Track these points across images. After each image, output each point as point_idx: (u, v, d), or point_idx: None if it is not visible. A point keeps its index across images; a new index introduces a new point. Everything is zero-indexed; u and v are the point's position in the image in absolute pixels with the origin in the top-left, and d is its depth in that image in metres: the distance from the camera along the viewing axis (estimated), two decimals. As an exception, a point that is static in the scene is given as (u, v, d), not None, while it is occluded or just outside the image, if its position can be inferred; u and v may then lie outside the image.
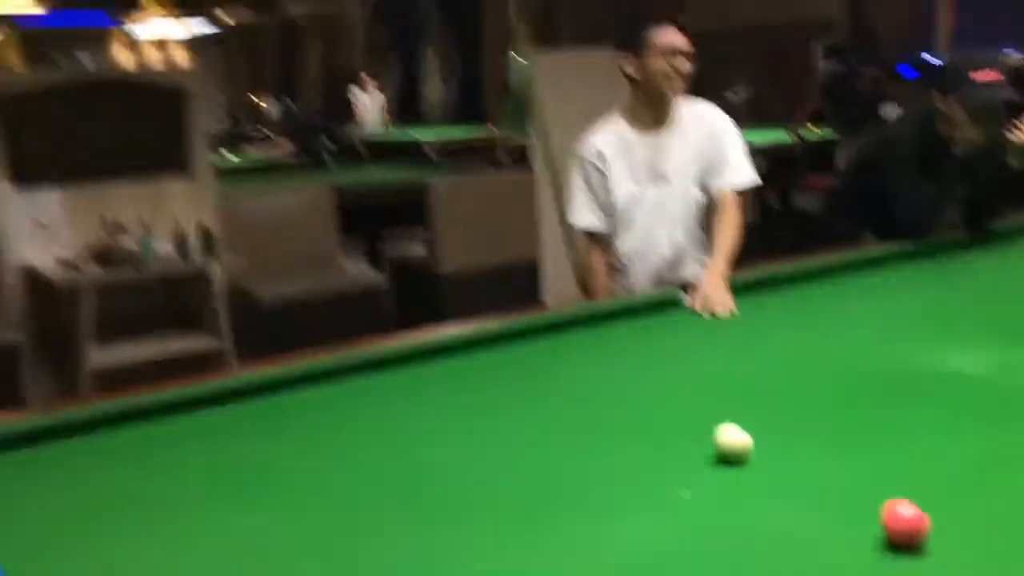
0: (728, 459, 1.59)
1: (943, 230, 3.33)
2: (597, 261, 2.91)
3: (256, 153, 10.41)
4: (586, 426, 1.83)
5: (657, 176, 2.79)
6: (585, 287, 3.07)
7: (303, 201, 4.95)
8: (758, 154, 7.63)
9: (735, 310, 2.53)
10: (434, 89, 15.67)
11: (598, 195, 2.83)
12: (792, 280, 2.85)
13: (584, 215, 2.88)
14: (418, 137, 10.80)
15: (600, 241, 2.89)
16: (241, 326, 4.61)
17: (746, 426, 1.62)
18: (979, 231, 3.35)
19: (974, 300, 2.70)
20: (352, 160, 10.29)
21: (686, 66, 2.74)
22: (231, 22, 16.70)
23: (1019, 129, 3.21)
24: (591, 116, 2.96)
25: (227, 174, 8.30)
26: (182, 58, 18.86)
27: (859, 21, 11.06)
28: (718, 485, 1.54)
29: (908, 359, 2.13)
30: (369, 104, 13.07)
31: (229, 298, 4.62)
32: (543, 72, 4.88)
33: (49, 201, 4.19)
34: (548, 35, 13.56)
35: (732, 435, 1.60)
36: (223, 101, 17.79)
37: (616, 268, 2.91)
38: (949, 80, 3.28)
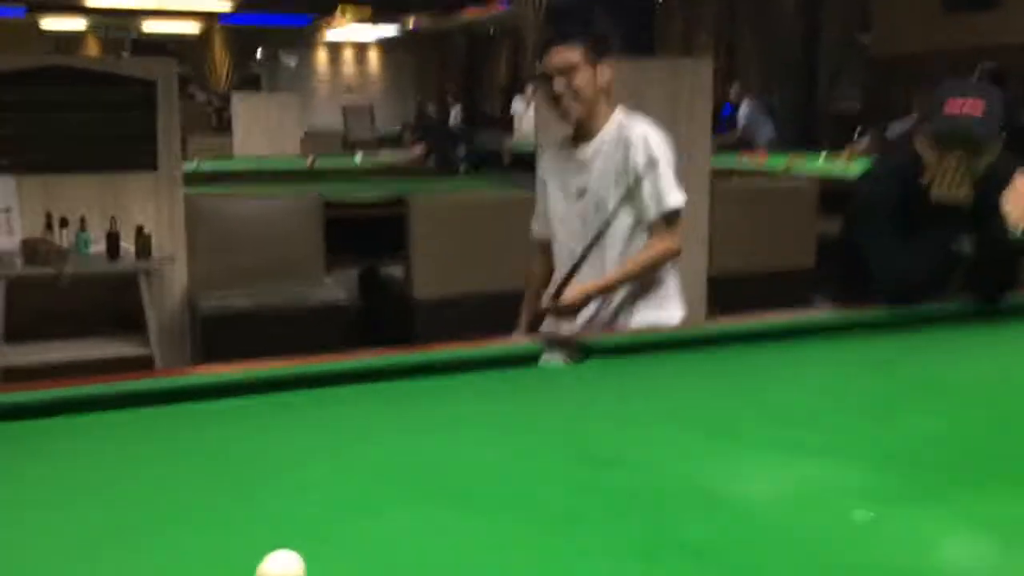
0: None
1: (945, 295, 2.58)
2: (531, 271, 2.86)
3: (384, 157, 10.34)
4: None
5: (577, 192, 2.65)
6: None
7: (281, 208, 4.63)
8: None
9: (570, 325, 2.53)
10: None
11: (542, 203, 2.81)
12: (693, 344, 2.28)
13: (535, 222, 2.84)
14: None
15: (544, 251, 2.81)
16: (188, 335, 4.38)
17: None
18: (986, 300, 2.58)
19: (853, 407, 1.93)
20: (494, 169, 10.06)
21: (562, 86, 2.54)
22: (416, 28, 16.93)
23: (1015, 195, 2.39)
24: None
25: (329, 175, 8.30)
26: (375, 62, 19.48)
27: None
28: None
29: (674, 465, 1.49)
30: (525, 114, 12.81)
31: (182, 304, 4.40)
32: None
33: (7, 189, 4.10)
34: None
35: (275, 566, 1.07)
36: (412, 104, 18.13)
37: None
38: (929, 111, 2.51)
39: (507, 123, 14.95)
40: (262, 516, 1.32)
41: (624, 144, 2.57)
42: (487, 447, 1.63)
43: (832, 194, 5.60)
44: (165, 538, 1.25)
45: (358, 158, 10.16)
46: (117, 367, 3.88)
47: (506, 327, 2.75)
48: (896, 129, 9.62)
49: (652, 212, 2.56)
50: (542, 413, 1.84)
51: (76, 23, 15.75)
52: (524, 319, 2.78)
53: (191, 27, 16.60)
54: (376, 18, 16.10)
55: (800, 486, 1.44)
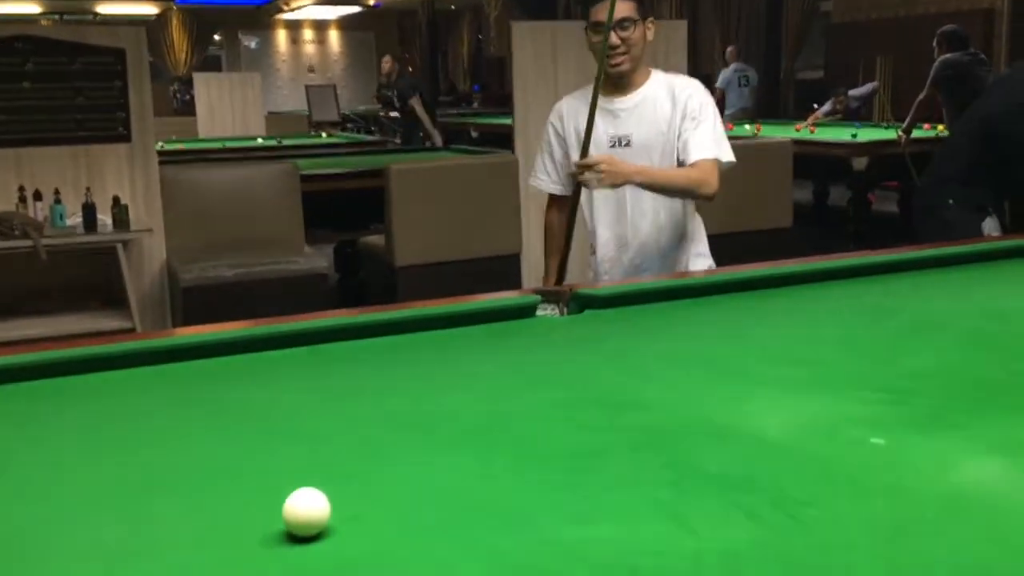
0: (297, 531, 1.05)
1: None
2: (549, 221, 2.87)
3: (349, 135, 10.26)
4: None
5: (613, 141, 2.66)
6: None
7: (257, 178, 4.57)
8: (863, 152, 6.79)
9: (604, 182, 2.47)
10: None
11: (556, 157, 2.79)
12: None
13: (539, 177, 2.86)
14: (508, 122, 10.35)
15: (557, 203, 2.84)
16: (169, 306, 4.33)
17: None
18: None
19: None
20: (462, 144, 10.02)
21: (615, 40, 2.57)
22: (378, 4, 16.76)
23: None
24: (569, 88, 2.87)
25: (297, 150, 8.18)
26: (336, 41, 19.27)
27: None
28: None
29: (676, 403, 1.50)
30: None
31: (162, 276, 4.35)
32: (520, 43, 4.33)
33: (-24, 163, 4.02)
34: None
35: (299, 506, 1.05)
36: (376, 85, 17.95)
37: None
38: None
39: (468, 98, 14.93)
40: (282, 464, 1.30)
41: (672, 95, 2.65)
42: (498, 397, 1.59)
43: (800, 159, 5.66)
44: (183, 491, 1.22)
45: (323, 135, 10.08)
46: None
47: (489, 290, 2.72)
48: (857, 95, 9.74)
49: (707, 152, 2.58)
50: (548, 363, 1.82)
51: (30, 7, 15.42)
52: (552, 269, 2.79)
53: (148, 8, 16.32)
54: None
55: (812, 419, 1.44)
